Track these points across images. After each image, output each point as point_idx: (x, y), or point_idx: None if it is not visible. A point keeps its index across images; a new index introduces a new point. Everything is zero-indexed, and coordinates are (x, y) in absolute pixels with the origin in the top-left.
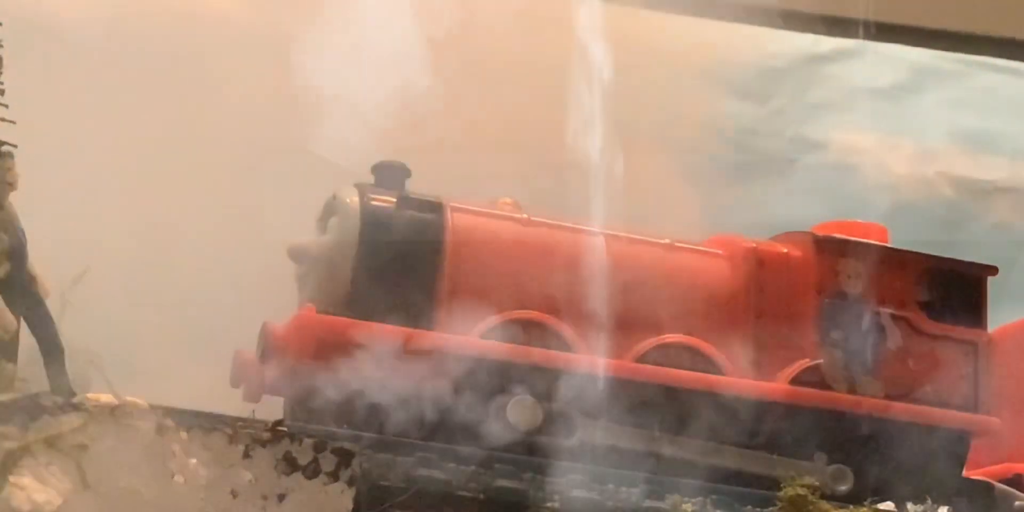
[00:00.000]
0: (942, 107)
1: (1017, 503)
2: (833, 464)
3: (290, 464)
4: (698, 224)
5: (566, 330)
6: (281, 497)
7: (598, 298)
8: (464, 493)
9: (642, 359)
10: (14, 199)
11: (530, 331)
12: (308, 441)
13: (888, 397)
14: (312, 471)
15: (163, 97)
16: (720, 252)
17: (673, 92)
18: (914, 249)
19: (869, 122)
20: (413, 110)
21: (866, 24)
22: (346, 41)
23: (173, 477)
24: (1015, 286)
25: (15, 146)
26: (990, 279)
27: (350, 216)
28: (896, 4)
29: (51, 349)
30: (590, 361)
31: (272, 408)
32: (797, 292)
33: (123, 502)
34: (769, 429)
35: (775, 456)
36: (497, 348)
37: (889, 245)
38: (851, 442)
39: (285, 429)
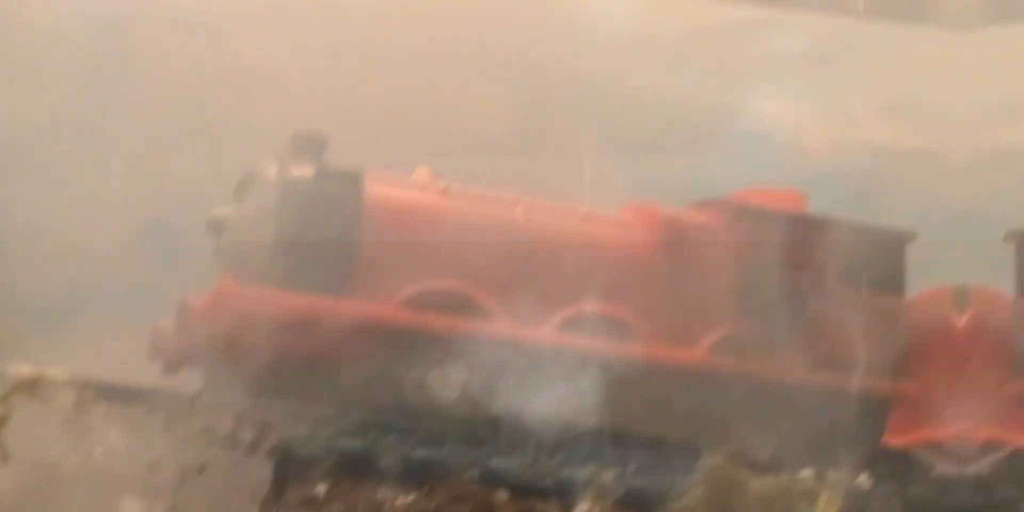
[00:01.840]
0: (859, 75)
1: (937, 469)
2: (752, 432)
3: (210, 436)
4: (616, 192)
5: (484, 299)
6: (201, 469)
7: (515, 268)
8: (383, 463)
9: (561, 327)
10: None
11: (448, 300)
12: (227, 413)
13: (807, 364)
14: (232, 442)
15: (83, 69)
16: (637, 221)
17: (590, 61)
18: (832, 216)
19: (786, 90)
20: (333, 83)
21: None
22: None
23: (93, 449)
24: (933, 252)
25: None
26: (909, 245)
27: (268, 188)
28: None
29: None
30: (508, 330)
31: (191, 380)
32: (715, 260)
33: (43, 474)
34: (689, 397)
35: (694, 424)
36: (414, 317)
37: (807, 212)
38: (770, 410)
39: (204, 401)
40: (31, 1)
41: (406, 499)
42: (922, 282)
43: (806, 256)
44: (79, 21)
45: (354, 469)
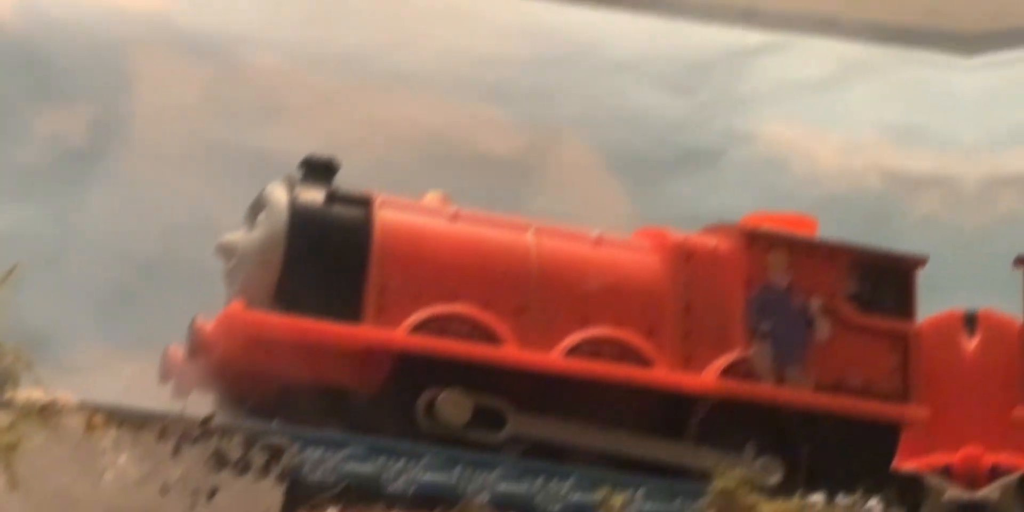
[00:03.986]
0: (870, 100)
1: (947, 494)
2: (763, 456)
3: (220, 460)
4: (627, 218)
5: (494, 324)
6: (211, 493)
7: (526, 292)
8: (393, 487)
9: (571, 352)
10: None
11: (458, 325)
12: (238, 437)
13: (817, 389)
14: (242, 467)
15: (92, 88)
16: (648, 245)
17: (600, 86)
18: (843, 241)
19: (797, 115)
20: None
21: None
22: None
23: (103, 474)
24: (943, 277)
25: None
26: (919, 271)
27: (278, 211)
28: None
29: None
30: (518, 355)
31: (202, 404)
32: (725, 285)
33: (53, 500)
34: (699, 421)
35: (705, 448)
36: (425, 342)
37: (817, 237)
38: (781, 434)
39: (215, 425)
40: (45, 31)
41: None
42: (932, 306)
43: (816, 281)
44: (87, 43)
45: (364, 493)
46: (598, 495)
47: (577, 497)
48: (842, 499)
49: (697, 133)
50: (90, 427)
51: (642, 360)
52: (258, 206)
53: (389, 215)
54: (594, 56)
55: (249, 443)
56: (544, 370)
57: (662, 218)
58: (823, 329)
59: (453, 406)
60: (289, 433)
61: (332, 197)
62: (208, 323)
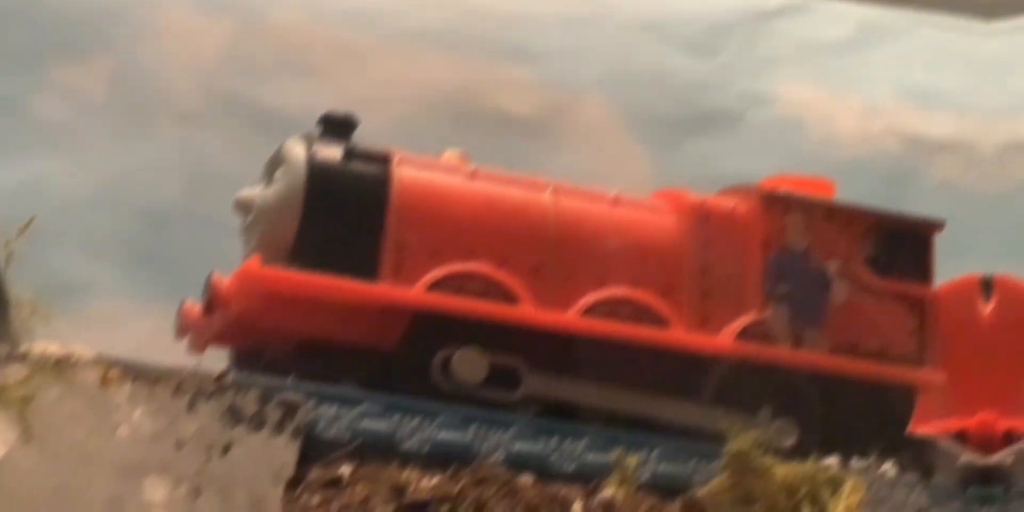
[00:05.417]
0: (889, 63)
1: (961, 458)
2: (778, 418)
3: (235, 416)
4: (645, 178)
5: (511, 282)
6: (226, 448)
7: (543, 251)
8: (407, 445)
9: (588, 312)
10: None
11: (475, 283)
12: (253, 393)
13: (834, 352)
14: (257, 423)
15: (112, 42)
16: (666, 206)
17: (621, 47)
18: (860, 204)
19: (816, 78)
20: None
21: None
22: None
23: (117, 429)
24: (960, 242)
25: None
26: (936, 235)
27: (296, 168)
28: None
29: None
30: (535, 314)
31: (217, 359)
32: (743, 247)
33: (67, 454)
34: (714, 383)
35: (720, 410)
36: (441, 300)
37: (835, 200)
38: (796, 397)
39: (230, 381)
40: None
41: (431, 481)
42: (949, 271)
43: (834, 243)
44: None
45: (379, 451)
46: (612, 455)
47: (591, 457)
48: (856, 463)
49: (717, 95)
50: (105, 381)
51: (658, 321)
52: (276, 162)
53: (407, 172)
54: (615, 17)
55: (264, 399)
56: (560, 329)
57: (680, 179)
58: (840, 292)
59: (469, 364)
60: (304, 389)
61: (350, 154)
62: (224, 279)
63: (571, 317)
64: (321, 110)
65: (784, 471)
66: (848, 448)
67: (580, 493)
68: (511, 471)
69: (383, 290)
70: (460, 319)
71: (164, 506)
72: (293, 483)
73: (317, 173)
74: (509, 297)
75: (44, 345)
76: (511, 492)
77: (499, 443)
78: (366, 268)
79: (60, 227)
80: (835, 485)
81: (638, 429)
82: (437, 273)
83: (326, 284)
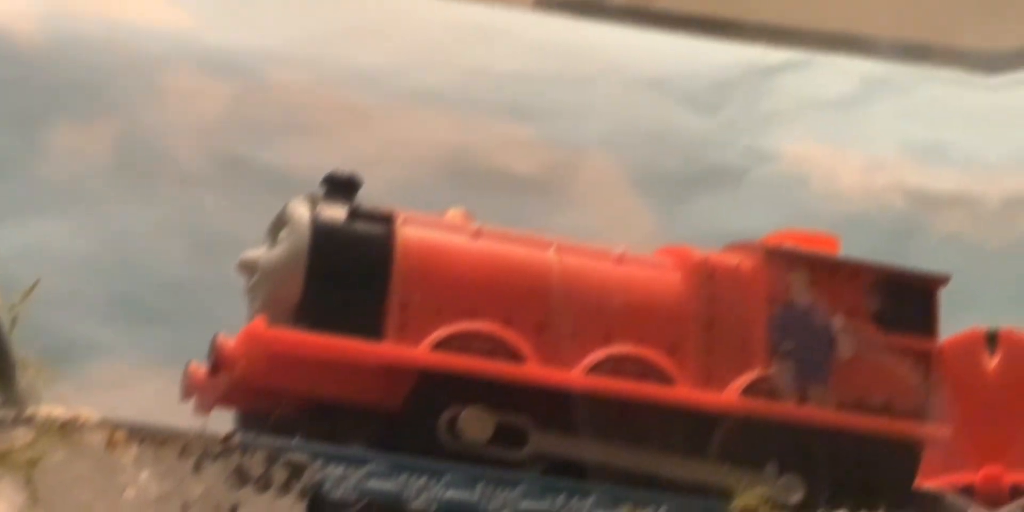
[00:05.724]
0: (892, 118)
1: None
2: (784, 474)
3: (241, 477)
4: (649, 235)
5: (516, 341)
6: (233, 510)
7: (548, 310)
8: (414, 505)
9: (593, 370)
10: None
11: (480, 342)
12: (259, 454)
13: (839, 407)
14: (263, 484)
15: (117, 104)
16: (670, 263)
17: (623, 104)
18: (865, 259)
19: (820, 133)
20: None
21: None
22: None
23: (124, 491)
24: (965, 296)
25: None
26: (941, 289)
27: (300, 228)
28: (844, 14)
29: (1, 364)
30: (540, 372)
31: (223, 421)
32: (747, 303)
33: None
34: (721, 440)
35: (726, 466)
36: (447, 359)
37: (840, 255)
38: (802, 452)
39: (236, 442)
40: (71, 47)
41: None
42: (955, 325)
43: (838, 299)
44: (112, 59)
45: (386, 511)
46: None
47: None
48: None
49: (720, 151)
50: (111, 443)
51: (664, 378)
52: (280, 222)
53: (411, 232)
54: (617, 74)
55: (271, 460)
56: (566, 388)
57: (685, 236)
58: (845, 348)
59: (475, 423)
60: (311, 450)
61: (354, 214)
62: (230, 340)
63: (577, 375)
64: (324, 170)
65: None
66: (855, 503)
67: None
68: None
69: (388, 350)
70: (466, 378)
71: None
72: None
73: (321, 233)
74: (515, 356)
75: (50, 408)
76: None
77: (506, 502)
78: (371, 328)
79: (64, 289)
80: None
81: (645, 486)
82: (442, 332)
83: (331, 344)
